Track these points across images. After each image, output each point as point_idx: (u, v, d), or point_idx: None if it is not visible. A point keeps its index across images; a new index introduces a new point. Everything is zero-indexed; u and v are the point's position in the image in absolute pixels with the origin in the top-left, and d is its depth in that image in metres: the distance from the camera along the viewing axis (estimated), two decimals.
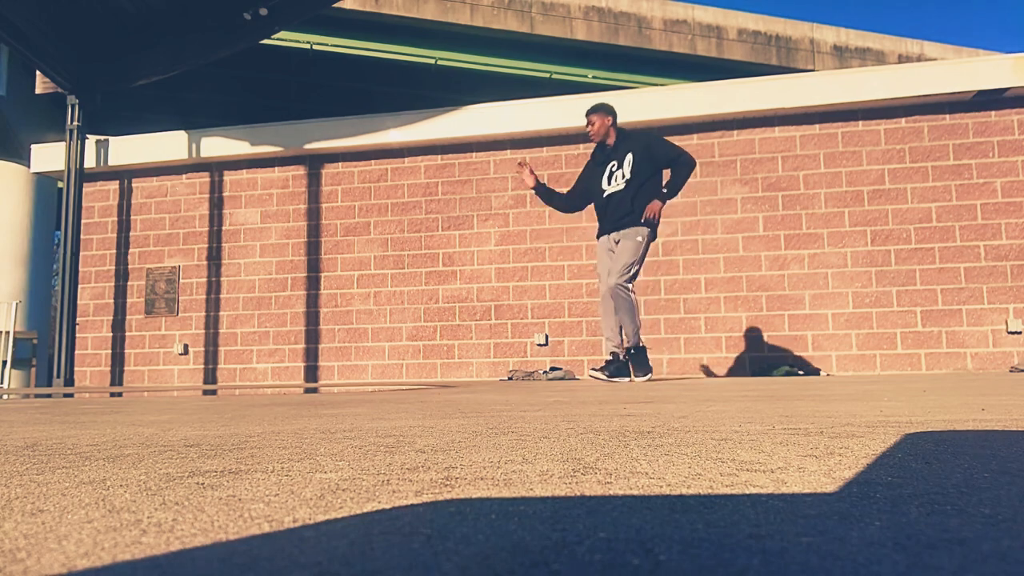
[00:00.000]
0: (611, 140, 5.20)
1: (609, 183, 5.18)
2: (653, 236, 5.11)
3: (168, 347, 8.81)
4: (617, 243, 5.11)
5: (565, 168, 7.95)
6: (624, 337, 5.08)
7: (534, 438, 1.40)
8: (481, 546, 0.57)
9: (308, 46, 14.73)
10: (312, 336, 8.48)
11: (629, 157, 5.09)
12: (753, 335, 7.50)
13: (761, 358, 7.43)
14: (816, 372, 7.21)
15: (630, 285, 5.00)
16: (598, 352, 7.75)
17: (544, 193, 5.50)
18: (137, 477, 1.00)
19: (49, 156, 9.25)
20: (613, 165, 5.17)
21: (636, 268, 5.01)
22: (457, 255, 8.23)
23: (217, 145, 8.83)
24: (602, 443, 1.29)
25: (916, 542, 0.57)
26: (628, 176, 5.08)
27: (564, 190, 5.69)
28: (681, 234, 7.74)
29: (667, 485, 0.85)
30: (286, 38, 14.19)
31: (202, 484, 0.93)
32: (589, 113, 5.28)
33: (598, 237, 5.33)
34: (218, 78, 15.04)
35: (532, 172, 5.38)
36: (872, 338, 7.27)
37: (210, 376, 8.68)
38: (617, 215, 5.13)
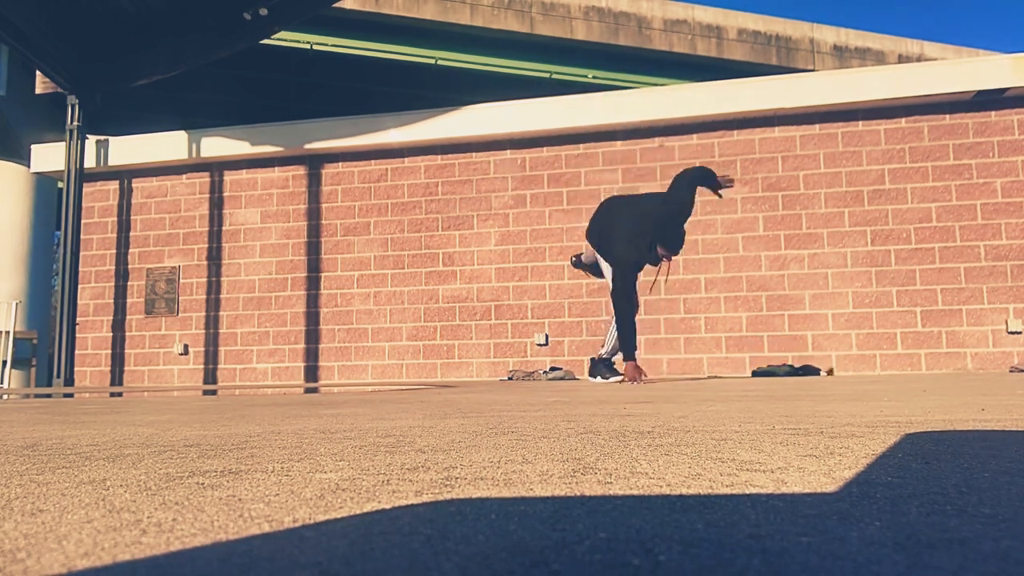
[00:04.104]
0: None
1: None
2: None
3: (168, 347, 8.81)
4: None
5: (565, 168, 7.94)
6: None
7: (534, 438, 1.40)
8: (481, 546, 0.57)
9: (308, 46, 14.72)
10: (312, 336, 8.47)
11: None
12: (753, 335, 7.50)
13: (761, 358, 7.43)
14: (816, 372, 7.21)
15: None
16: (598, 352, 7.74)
17: None
18: (137, 477, 1.00)
19: (49, 156, 9.25)
20: None
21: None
22: (457, 255, 8.23)
23: (217, 145, 8.83)
24: (602, 443, 1.29)
25: (916, 542, 0.57)
26: None
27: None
28: None
29: (667, 485, 0.85)
30: (286, 38, 14.18)
31: (202, 484, 0.93)
32: None
33: None
34: (218, 78, 15.03)
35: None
36: (872, 338, 7.27)
37: (210, 376, 8.68)
38: None
